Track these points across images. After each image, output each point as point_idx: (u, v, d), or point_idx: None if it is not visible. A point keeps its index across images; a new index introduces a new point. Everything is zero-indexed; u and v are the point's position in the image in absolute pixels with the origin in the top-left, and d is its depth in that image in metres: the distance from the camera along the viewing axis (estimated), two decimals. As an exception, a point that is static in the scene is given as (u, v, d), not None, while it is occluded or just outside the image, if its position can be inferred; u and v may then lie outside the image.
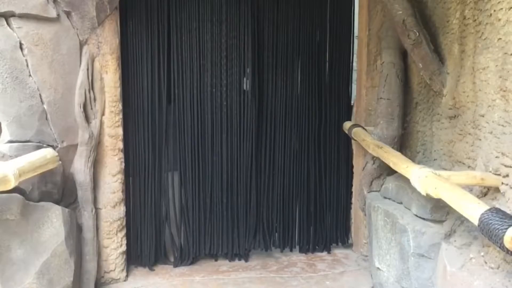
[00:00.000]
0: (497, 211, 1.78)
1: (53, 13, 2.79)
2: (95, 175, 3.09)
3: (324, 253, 3.80)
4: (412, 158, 2.94)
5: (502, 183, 2.16)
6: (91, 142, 3.01)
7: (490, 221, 1.74)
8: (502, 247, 1.71)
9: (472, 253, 2.22)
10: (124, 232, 3.29)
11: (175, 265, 3.53)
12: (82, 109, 2.95)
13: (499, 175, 2.18)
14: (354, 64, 3.82)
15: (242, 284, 3.27)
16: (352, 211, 3.85)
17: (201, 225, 3.57)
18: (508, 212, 1.92)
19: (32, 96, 2.73)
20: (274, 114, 3.63)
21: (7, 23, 2.67)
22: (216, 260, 3.65)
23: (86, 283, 3.03)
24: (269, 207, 3.71)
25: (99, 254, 3.14)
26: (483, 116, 2.33)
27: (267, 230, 3.72)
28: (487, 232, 1.76)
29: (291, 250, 3.81)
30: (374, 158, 3.25)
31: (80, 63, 2.97)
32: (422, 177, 2.28)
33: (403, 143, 3.25)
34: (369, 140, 3.16)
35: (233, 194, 3.60)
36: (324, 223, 3.85)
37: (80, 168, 2.98)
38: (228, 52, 3.47)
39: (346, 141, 3.76)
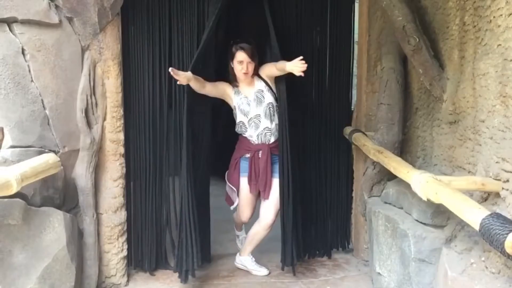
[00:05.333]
0: (498, 216, 1.79)
1: (55, 19, 2.81)
2: (96, 180, 3.10)
3: (325, 258, 3.78)
4: (413, 163, 2.94)
5: (503, 188, 2.17)
6: (93, 147, 3.02)
7: (491, 226, 1.75)
8: (503, 252, 1.72)
9: (473, 258, 2.23)
10: (125, 237, 3.29)
11: (176, 270, 3.52)
12: (83, 114, 2.97)
13: (499, 180, 2.18)
14: (354, 69, 3.83)
15: (243, 289, 3.28)
16: (353, 216, 3.85)
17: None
18: (509, 217, 1.93)
19: (34, 101, 2.74)
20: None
21: (10, 29, 2.69)
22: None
23: (87, 288, 3.03)
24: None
25: (100, 259, 3.15)
26: (483, 122, 2.34)
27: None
28: (488, 237, 1.77)
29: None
30: (375, 163, 3.25)
31: (82, 69, 2.98)
32: (422, 182, 2.29)
33: (403, 148, 3.26)
34: (369, 145, 3.17)
35: None
36: (325, 228, 3.83)
37: (81, 173, 2.99)
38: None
39: (347, 146, 3.77)
